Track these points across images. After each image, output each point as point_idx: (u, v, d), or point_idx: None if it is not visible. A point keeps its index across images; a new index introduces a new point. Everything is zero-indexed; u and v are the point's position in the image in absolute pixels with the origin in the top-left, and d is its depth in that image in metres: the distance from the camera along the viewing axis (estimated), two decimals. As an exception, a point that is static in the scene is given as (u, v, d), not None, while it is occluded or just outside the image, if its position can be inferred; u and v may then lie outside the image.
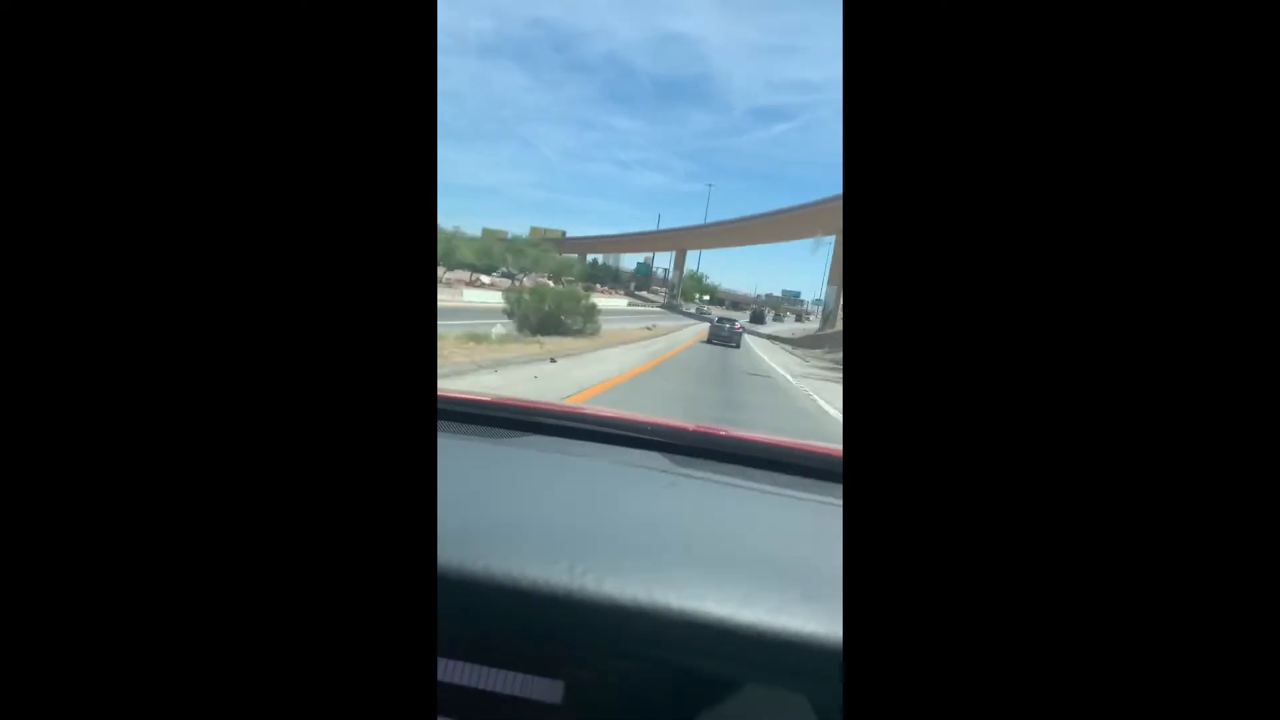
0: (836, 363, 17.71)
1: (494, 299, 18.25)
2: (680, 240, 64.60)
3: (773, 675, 0.44)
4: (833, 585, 0.38)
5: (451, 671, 0.48)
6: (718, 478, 0.75)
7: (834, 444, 0.87)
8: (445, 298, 21.87)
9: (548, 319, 13.46)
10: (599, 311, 15.24)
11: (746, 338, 21.09)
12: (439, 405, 0.81)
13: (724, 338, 18.58)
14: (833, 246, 42.08)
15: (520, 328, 12.82)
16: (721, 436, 0.93)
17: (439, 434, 0.63)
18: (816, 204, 43.79)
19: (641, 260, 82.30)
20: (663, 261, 76.49)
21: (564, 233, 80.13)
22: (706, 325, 22.28)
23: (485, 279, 39.66)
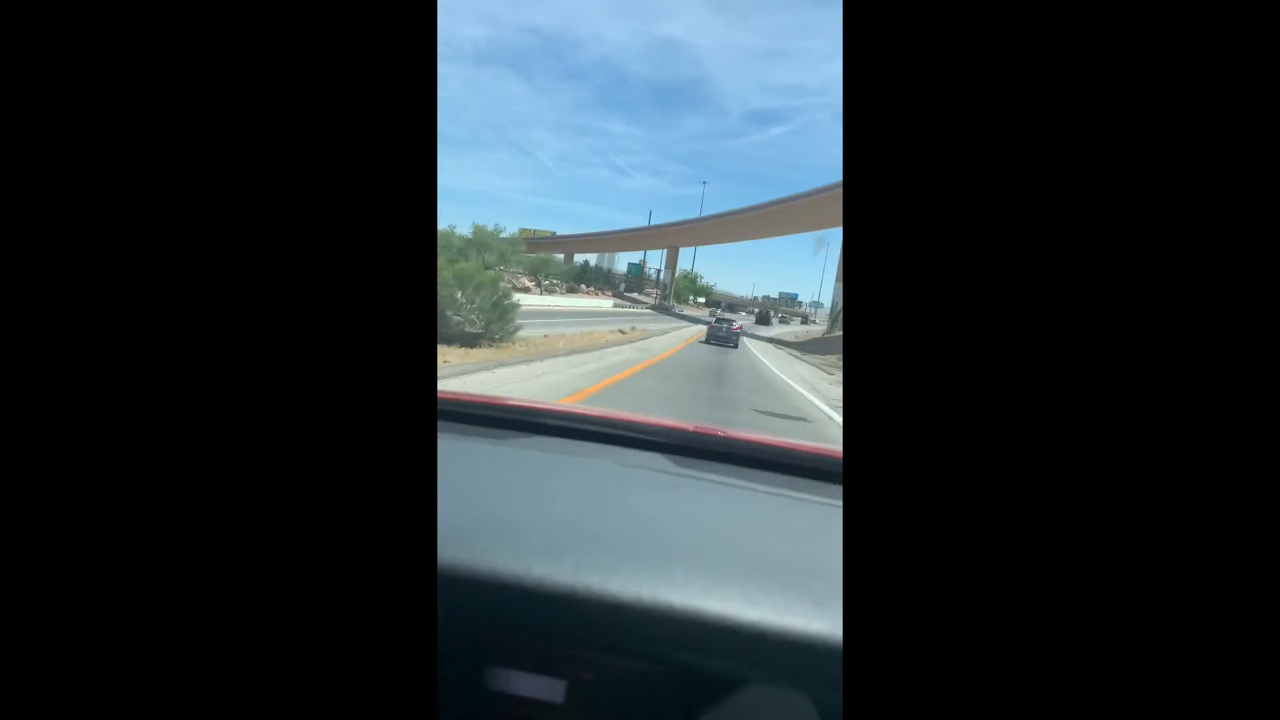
0: None
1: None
2: (673, 237, 59.45)
3: (775, 675, 0.44)
4: (835, 585, 0.38)
5: (455, 671, 0.47)
6: (719, 478, 0.75)
7: (834, 444, 0.88)
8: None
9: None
10: (516, 309, 10.11)
11: (747, 342, 20.61)
12: (441, 406, 0.85)
13: (721, 338, 18.99)
14: (840, 243, 37.35)
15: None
16: (721, 437, 0.93)
17: (442, 434, 0.66)
18: (816, 193, 38.98)
19: (633, 261, 77.42)
20: (657, 263, 71.33)
21: (553, 232, 75.28)
22: (700, 328, 22.09)
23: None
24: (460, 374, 6.48)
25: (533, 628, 0.46)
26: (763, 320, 72.50)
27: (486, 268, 12.84)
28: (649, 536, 0.54)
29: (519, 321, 10.23)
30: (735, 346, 18.71)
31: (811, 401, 8.82)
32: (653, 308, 53.44)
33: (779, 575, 0.48)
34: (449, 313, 8.80)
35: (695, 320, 42.14)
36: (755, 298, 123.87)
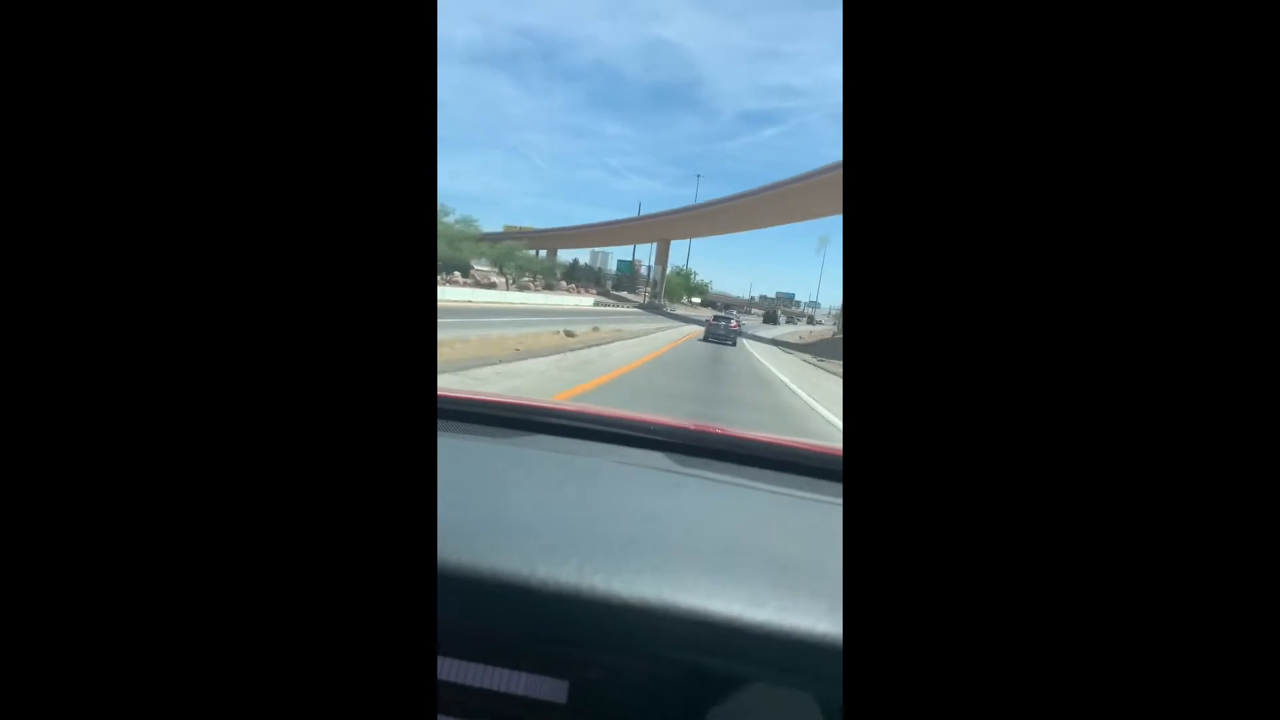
0: None
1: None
2: (663, 229, 54.10)
3: (780, 675, 0.44)
4: (839, 585, 0.38)
5: (457, 671, 0.47)
6: (721, 477, 0.75)
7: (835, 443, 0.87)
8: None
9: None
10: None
11: (749, 345, 20.21)
12: (443, 406, 0.85)
13: (720, 335, 19.23)
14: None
15: None
16: (723, 436, 0.93)
17: (444, 434, 0.68)
18: (813, 175, 34.00)
19: (623, 259, 72.45)
20: (651, 259, 66.10)
21: (532, 228, 70.00)
22: (692, 329, 21.87)
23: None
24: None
25: (535, 628, 0.45)
26: (770, 319, 70.97)
27: None
28: (652, 535, 0.54)
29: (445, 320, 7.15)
30: (733, 344, 18.80)
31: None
32: (641, 306, 48.36)
33: (782, 574, 0.48)
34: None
35: (688, 320, 37.41)
36: (752, 297, 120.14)
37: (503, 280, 40.60)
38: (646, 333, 19.33)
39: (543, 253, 62.09)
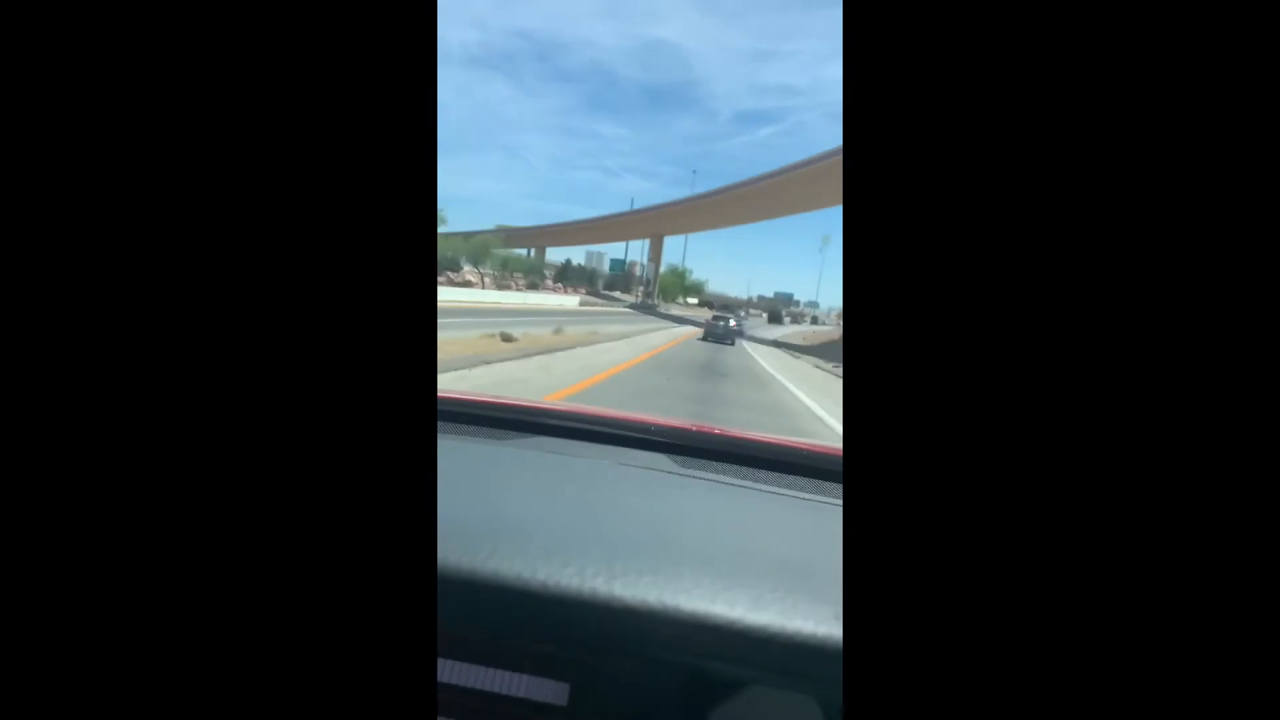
0: None
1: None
2: (656, 223, 50.84)
3: (781, 677, 0.44)
4: (838, 585, 0.39)
5: (458, 673, 0.47)
6: (721, 478, 0.76)
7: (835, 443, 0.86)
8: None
9: None
10: None
11: (749, 347, 18.67)
12: (441, 406, 0.85)
13: (719, 335, 18.87)
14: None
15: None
16: (723, 436, 0.92)
17: (442, 435, 0.69)
18: (817, 160, 30.87)
19: (617, 257, 69.29)
20: (646, 258, 62.73)
21: (515, 226, 66.84)
22: (686, 330, 21.53)
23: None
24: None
25: (536, 630, 0.45)
26: (775, 319, 71.13)
27: None
28: (652, 537, 0.54)
29: None
30: (732, 343, 18.55)
31: None
32: (632, 306, 45.14)
33: (783, 576, 0.48)
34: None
35: (683, 320, 34.25)
36: (750, 297, 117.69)
37: (479, 279, 37.43)
38: (627, 335, 16.28)
39: (532, 251, 58.87)
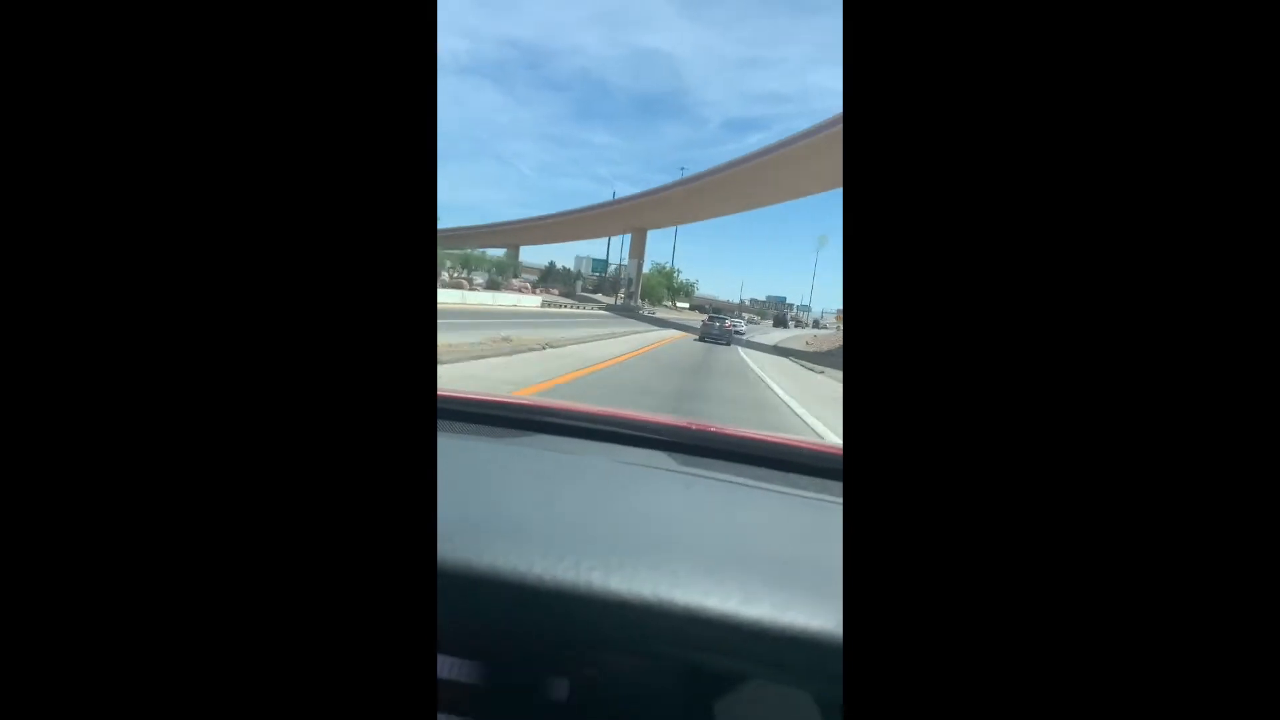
0: None
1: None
2: (638, 215, 45.15)
3: (778, 672, 0.44)
4: (836, 583, 0.39)
5: (457, 669, 0.47)
6: (719, 475, 0.76)
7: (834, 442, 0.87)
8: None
9: None
10: None
11: (747, 357, 15.00)
12: (442, 405, 0.85)
13: (714, 336, 18.77)
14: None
15: None
16: (721, 435, 0.92)
17: (443, 434, 0.69)
18: (814, 132, 25.67)
19: (600, 257, 63.68)
20: (622, 258, 57.05)
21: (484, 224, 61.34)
22: (669, 334, 20.04)
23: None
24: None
25: (534, 626, 0.45)
26: (779, 322, 70.59)
27: None
28: (650, 534, 0.54)
29: None
30: (728, 344, 18.27)
31: None
32: (610, 308, 39.53)
33: (781, 572, 0.48)
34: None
35: (665, 324, 29.05)
36: (743, 301, 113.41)
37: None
38: (582, 341, 11.13)
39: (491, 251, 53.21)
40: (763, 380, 9.73)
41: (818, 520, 0.64)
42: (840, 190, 0.33)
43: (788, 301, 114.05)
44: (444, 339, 7.33)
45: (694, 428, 0.91)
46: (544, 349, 9.31)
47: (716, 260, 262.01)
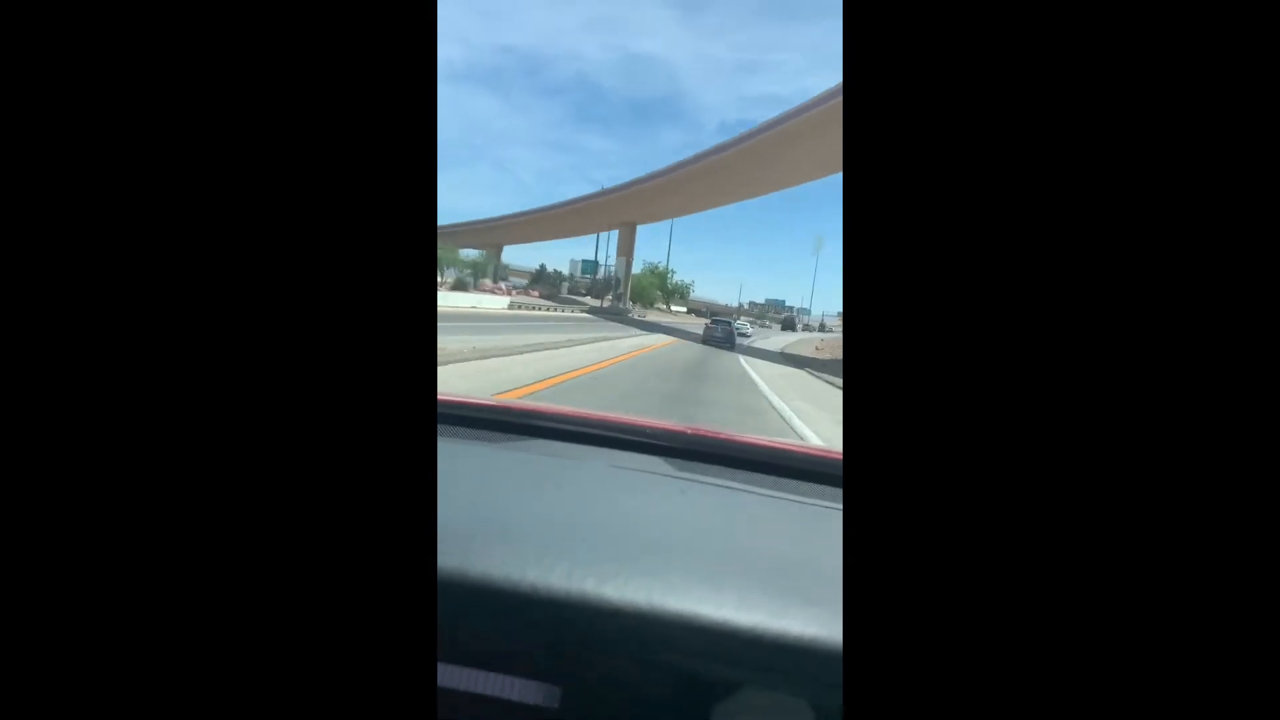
0: None
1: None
2: (625, 207, 41.19)
3: (773, 679, 0.44)
4: (833, 589, 0.39)
5: (448, 675, 0.47)
6: (715, 481, 0.75)
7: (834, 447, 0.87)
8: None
9: None
10: None
11: (749, 368, 12.91)
12: (440, 409, 0.85)
13: (717, 340, 18.61)
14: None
15: None
16: (718, 440, 0.92)
17: (440, 438, 0.68)
18: (812, 105, 22.56)
19: (589, 259, 59.90)
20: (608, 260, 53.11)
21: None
22: (655, 341, 17.90)
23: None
24: None
25: (527, 632, 0.45)
26: (788, 325, 70.16)
27: None
28: (644, 539, 0.54)
29: None
30: (731, 347, 17.69)
31: None
32: (592, 311, 35.62)
33: (777, 578, 0.48)
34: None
35: (655, 328, 25.37)
36: (741, 304, 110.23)
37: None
38: (530, 350, 7.96)
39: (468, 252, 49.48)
40: (775, 408, 6.27)
41: (814, 526, 0.64)
42: (839, 189, 0.34)
43: (787, 304, 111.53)
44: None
45: (690, 432, 0.90)
46: (461, 363, 6.41)
47: (714, 263, 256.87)
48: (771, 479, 0.79)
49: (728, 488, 0.72)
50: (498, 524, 0.52)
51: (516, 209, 54.16)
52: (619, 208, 41.08)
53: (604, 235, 49.65)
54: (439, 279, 34.15)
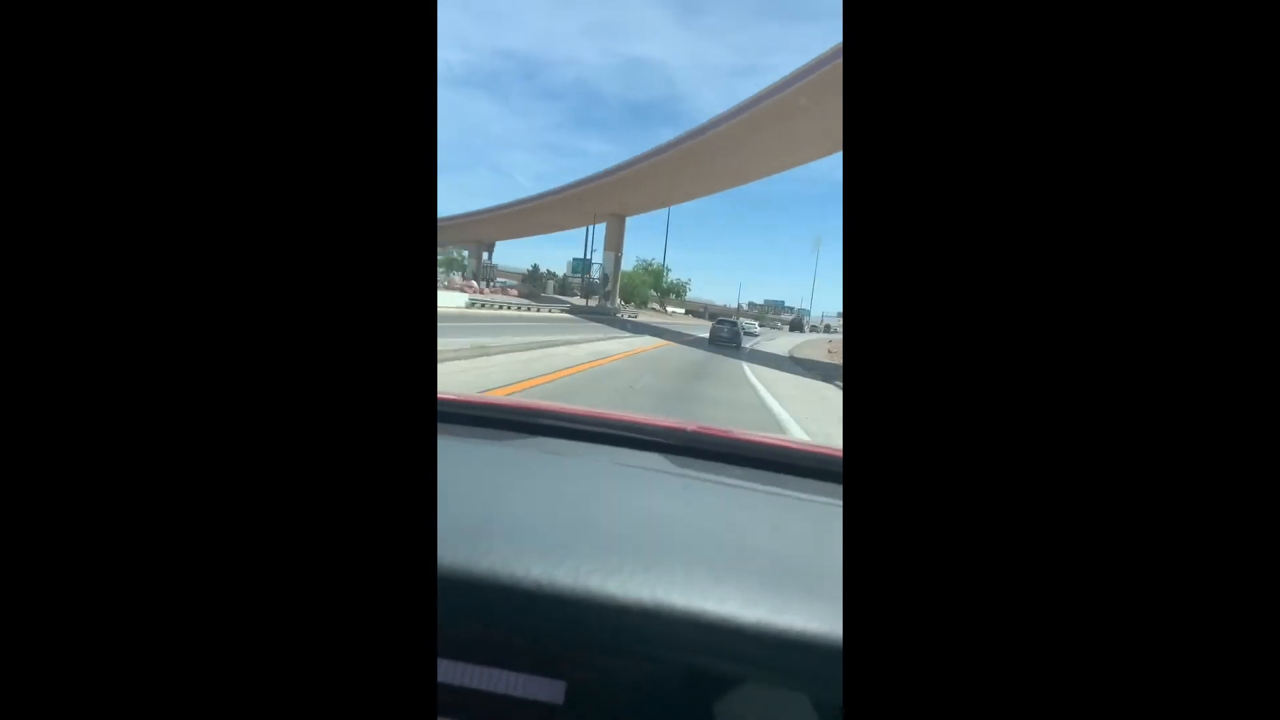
0: None
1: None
2: (609, 196, 37.57)
3: (775, 675, 0.44)
4: (834, 585, 0.39)
5: (454, 672, 0.48)
6: (718, 478, 0.76)
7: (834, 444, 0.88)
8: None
9: None
10: None
11: (754, 379, 11.71)
12: (441, 408, 0.85)
13: (723, 341, 18.47)
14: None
15: None
16: (720, 437, 0.93)
17: (442, 437, 0.68)
18: (809, 69, 20.13)
19: (579, 257, 56.58)
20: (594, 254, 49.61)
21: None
22: (646, 343, 17.02)
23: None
24: None
25: (531, 629, 0.45)
26: (796, 326, 69.25)
27: None
28: (648, 537, 0.54)
29: None
30: (738, 348, 17.38)
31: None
32: (577, 310, 32.15)
33: (779, 575, 0.48)
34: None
35: (643, 329, 22.64)
36: (740, 305, 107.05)
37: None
38: (467, 355, 3.31)
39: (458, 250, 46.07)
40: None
41: (815, 523, 0.64)
42: (839, 190, 0.35)
43: (786, 305, 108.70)
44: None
45: (692, 430, 0.90)
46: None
47: (713, 264, 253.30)
48: (773, 476, 0.79)
49: (730, 485, 0.72)
50: (502, 521, 0.52)
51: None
52: (603, 196, 37.50)
53: (592, 230, 46.11)
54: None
